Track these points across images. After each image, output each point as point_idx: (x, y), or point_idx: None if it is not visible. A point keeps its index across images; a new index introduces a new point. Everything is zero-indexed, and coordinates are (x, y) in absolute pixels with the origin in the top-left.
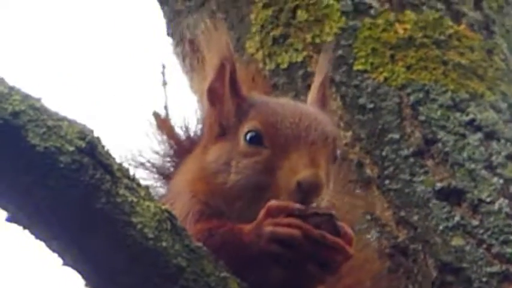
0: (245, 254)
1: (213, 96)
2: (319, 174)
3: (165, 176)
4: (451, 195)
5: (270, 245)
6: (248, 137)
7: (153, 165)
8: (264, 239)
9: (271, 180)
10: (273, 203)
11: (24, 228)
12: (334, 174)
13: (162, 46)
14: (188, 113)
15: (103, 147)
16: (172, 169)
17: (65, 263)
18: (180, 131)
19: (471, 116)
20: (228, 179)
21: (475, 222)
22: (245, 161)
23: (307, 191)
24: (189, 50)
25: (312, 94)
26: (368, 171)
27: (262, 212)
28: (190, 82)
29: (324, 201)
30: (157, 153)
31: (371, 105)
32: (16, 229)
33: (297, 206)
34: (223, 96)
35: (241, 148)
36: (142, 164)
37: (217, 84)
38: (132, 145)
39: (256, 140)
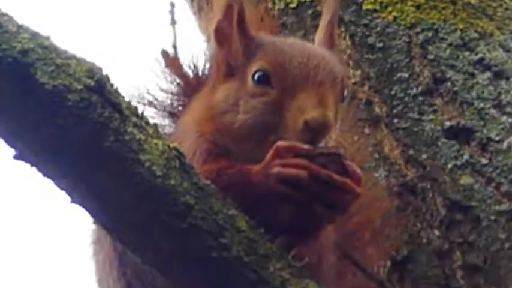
0: (253, 193)
1: (220, 36)
2: (327, 114)
3: (173, 114)
4: (460, 134)
5: (278, 185)
6: (256, 76)
7: (161, 103)
8: (272, 179)
9: (279, 120)
10: (280, 143)
11: (32, 165)
12: (342, 114)
13: None
14: (197, 52)
15: (112, 85)
16: (180, 108)
17: (73, 201)
18: (188, 70)
19: (480, 55)
20: (235, 119)
21: (484, 161)
22: (253, 101)
23: (315, 130)
24: None
25: (320, 34)
26: (377, 109)
27: (270, 153)
28: (198, 22)
29: (331, 141)
30: (165, 91)
31: (380, 44)
32: (24, 166)
33: (305, 146)
34: (231, 36)
35: (249, 88)
36: (150, 103)
37: (225, 24)
38: (141, 83)
39: (264, 79)
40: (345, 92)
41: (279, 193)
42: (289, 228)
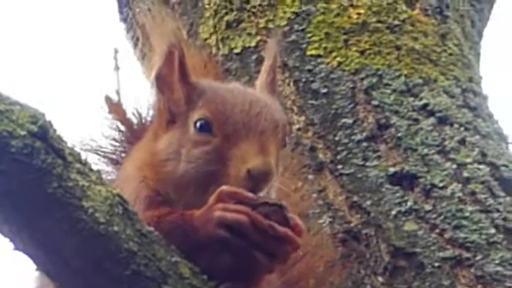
0: (194, 238)
1: (161, 83)
2: (269, 162)
3: (116, 161)
4: (404, 180)
5: (218, 229)
6: (198, 125)
7: (104, 150)
8: (213, 223)
9: (221, 169)
10: (224, 188)
11: None
12: (286, 160)
13: (115, 31)
14: (140, 98)
15: (55, 131)
16: (123, 155)
17: (16, 248)
18: (132, 117)
19: (424, 100)
20: (177, 168)
21: (428, 207)
22: (195, 150)
23: (257, 179)
24: (140, 35)
25: (262, 78)
26: (321, 155)
27: (213, 197)
28: (142, 68)
29: (273, 188)
30: (108, 138)
31: (324, 90)
32: None
33: (248, 194)
34: (173, 84)
35: (191, 136)
36: (93, 149)
37: (166, 71)
38: (84, 130)
39: (205, 128)
40: (286, 138)
41: (219, 238)
42: (231, 276)
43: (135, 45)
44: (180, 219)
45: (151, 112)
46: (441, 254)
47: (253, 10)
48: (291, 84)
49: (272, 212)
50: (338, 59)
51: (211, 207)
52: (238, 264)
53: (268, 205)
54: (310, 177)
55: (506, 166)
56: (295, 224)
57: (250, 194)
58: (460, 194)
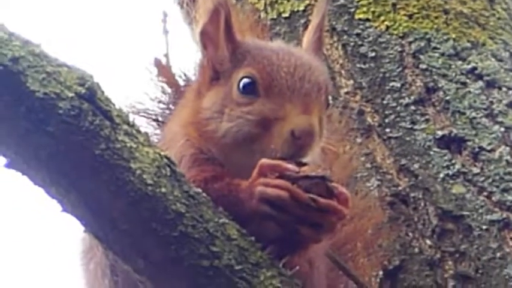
0: (241, 209)
1: (206, 40)
2: (312, 122)
3: (163, 123)
4: (452, 143)
5: (261, 205)
6: (242, 83)
7: (152, 112)
8: (255, 199)
9: (264, 130)
10: (264, 161)
11: (23, 174)
12: (334, 123)
13: None
14: (188, 61)
15: (102, 93)
16: (170, 117)
17: (64, 210)
18: (179, 79)
19: (472, 64)
20: (220, 127)
21: (476, 170)
22: (238, 110)
23: (301, 139)
24: (191, 0)
25: (308, 36)
26: (369, 119)
27: (255, 170)
28: (192, 33)
29: (317, 154)
30: (156, 100)
31: (372, 54)
32: (15, 175)
33: (289, 166)
34: (218, 41)
35: (235, 96)
36: (141, 111)
37: (211, 28)
38: (132, 92)
39: (250, 87)
40: (329, 99)
41: (262, 212)
42: (278, 243)
43: (185, 10)
44: (226, 189)
45: (196, 73)
46: (489, 217)
47: None
48: (339, 48)
49: (314, 185)
50: (386, 22)
51: (253, 181)
52: (284, 235)
53: (309, 178)
54: (358, 140)
55: None
56: (339, 193)
57: (291, 166)
58: (508, 157)
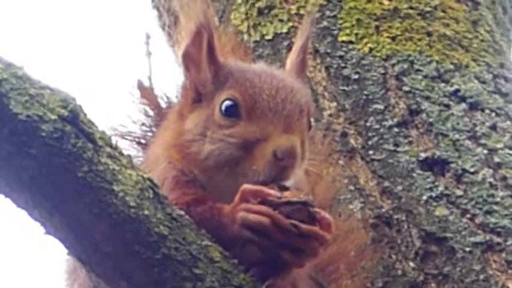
0: (223, 234)
1: (188, 62)
2: (294, 142)
3: (146, 146)
4: (435, 166)
5: (243, 230)
6: (224, 106)
7: (135, 135)
8: (237, 224)
9: (246, 152)
10: (246, 187)
11: (6, 196)
12: (317, 145)
13: (147, 17)
14: (170, 84)
15: (85, 115)
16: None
17: (47, 232)
18: (161, 102)
19: (455, 86)
20: (202, 149)
21: (459, 192)
22: (220, 132)
23: (283, 160)
24: (172, 23)
25: (292, 58)
26: (352, 141)
27: (237, 195)
28: (174, 55)
29: (299, 177)
30: (139, 123)
31: (356, 76)
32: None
33: (271, 191)
34: (200, 63)
35: (217, 118)
36: (123, 134)
37: (193, 50)
38: (114, 115)
39: (232, 109)
40: (311, 121)
41: (244, 238)
42: (260, 266)
43: (168, 32)
44: (209, 213)
45: (179, 95)
46: (472, 239)
47: None
48: (323, 70)
49: (296, 211)
50: (369, 45)
51: (235, 207)
52: (266, 259)
53: (291, 204)
54: (341, 162)
55: None
56: (321, 218)
57: (273, 192)
58: (491, 179)
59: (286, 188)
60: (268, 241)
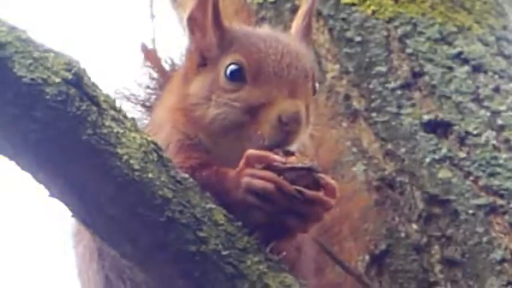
0: (227, 198)
1: (193, 26)
2: (299, 107)
3: (150, 109)
4: (438, 128)
5: (247, 195)
6: (229, 70)
7: (139, 98)
8: (242, 189)
9: (251, 117)
10: (251, 152)
11: (10, 159)
12: (320, 108)
13: None
14: (175, 46)
15: (89, 78)
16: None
17: (52, 194)
18: (165, 64)
19: (458, 48)
20: (207, 113)
21: (462, 155)
22: (225, 96)
23: (288, 125)
24: None
25: (297, 21)
26: (355, 103)
27: (242, 161)
28: (178, 18)
29: (304, 142)
30: (143, 86)
31: (358, 38)
32: (2, 160)
33: (276, 157)
34: (205, 27)
35: (222, 82)
36: (127, 97)
37: (198, 14)
38: (119, 77)
39: (237, 73)
40: (316, 86)
41: (249, 203)
42: (265, 230)
43: None
44: (213, 177)
45: (183, 58)
46: (475, 201)
47: None
48: (326, 32)
49: (300, 176)
50: (372, 7)
51: (240, 172)
52: (270, 223)
53: (296, 169)
54: (344, 124)
55: None
56: (326, 184)
57: (278, 157)
58: (494, 142)
59: (291, 153)
60: (273, 207)
